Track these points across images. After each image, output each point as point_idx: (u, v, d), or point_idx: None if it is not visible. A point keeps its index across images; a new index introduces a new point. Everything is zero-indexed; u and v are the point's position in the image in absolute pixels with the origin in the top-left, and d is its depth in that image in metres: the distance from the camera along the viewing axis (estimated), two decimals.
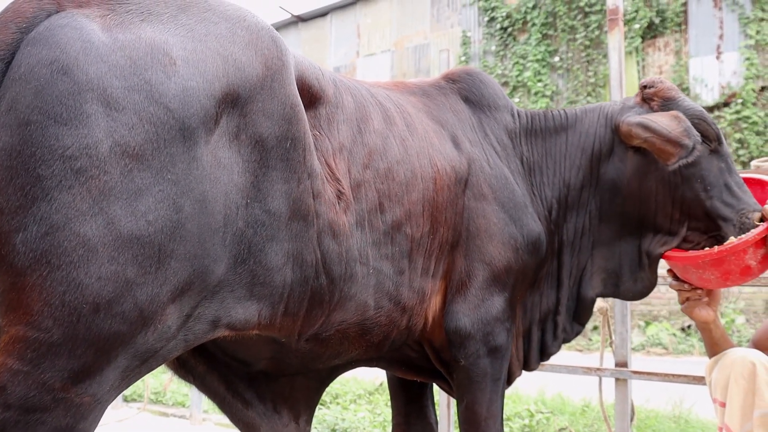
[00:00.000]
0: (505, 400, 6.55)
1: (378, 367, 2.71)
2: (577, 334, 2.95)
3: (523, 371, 2.86)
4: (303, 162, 1.89)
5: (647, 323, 12.39)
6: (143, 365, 1.64)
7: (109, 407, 6.76)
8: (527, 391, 7.14)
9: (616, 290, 2.82)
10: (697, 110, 2.67)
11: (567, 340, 2.93)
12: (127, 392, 7.19)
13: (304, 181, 1.90)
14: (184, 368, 2.28)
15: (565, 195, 2.76)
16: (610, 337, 4.11)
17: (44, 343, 1.44)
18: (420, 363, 2.66)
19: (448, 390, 2.78)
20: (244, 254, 1.78)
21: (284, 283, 1.89)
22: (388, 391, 6.96)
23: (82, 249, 1.45)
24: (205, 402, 6.53)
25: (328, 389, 6.87)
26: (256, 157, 1.78)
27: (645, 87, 2.74)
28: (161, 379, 7.34)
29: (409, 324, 2.36)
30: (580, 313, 2.86)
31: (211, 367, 2.29)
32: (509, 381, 2.80)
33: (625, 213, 2.72)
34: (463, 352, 2.45)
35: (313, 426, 5.75)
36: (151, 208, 1.53)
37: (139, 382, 7.29)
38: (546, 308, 2.81)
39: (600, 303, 4.08)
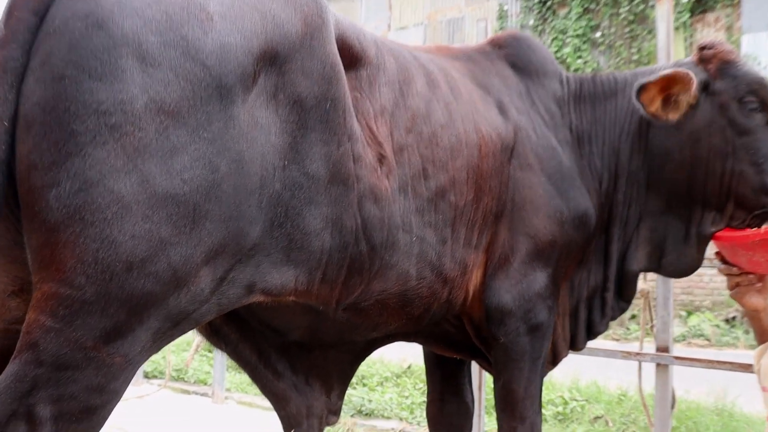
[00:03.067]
0: None
1: (415, 342, 2.71)
2: (623, 311, 2.91)
3: (570, 351, 2.83)
4: (343, 124, 1.88)
5: (689, 313, 12.27)
6: (175, 328, 1.65)
7: (130, 383, 6.86)
8: (560, 378, 7.13)
9: (658, 265, 2.78)
10: (757, 76, 2.61)
11: (613, 318, 2.89)
12: (147, 368, 7.30)
13: (344, 143, 1.89)
14: (216, 335, 2.30)
15: (615, 164, 2.71)
16: (651, 321, 4.06)
17: (77, 301, 1.46)
18: (459, 339, 2.65)
19: (488, 368, 2.77)
20: (280, 217, 1.78)
21: (322, 249, 1.89)
22: (415, 374, 7.03)
23: (116, 206, 1.47)
24: (227, 380, 6.62)
25: None
26: (294, 117, 1.78)
27: (703, 48, 2.66)
28: (183, 356, 7.44)
29: (449, 297, 2.35)
30: (624, 289, 2.81)
31: (244, 335, 2.31)
32: (555, 361, 2.78)
33: (674, 182, 2.66)
34: (502, 329, 2.44)
35: None
36: (186, 167, 1.54)
37: (160, 359, 7.40)
38: (594, 285, 2.77)
39: (641, 284, 4.04)
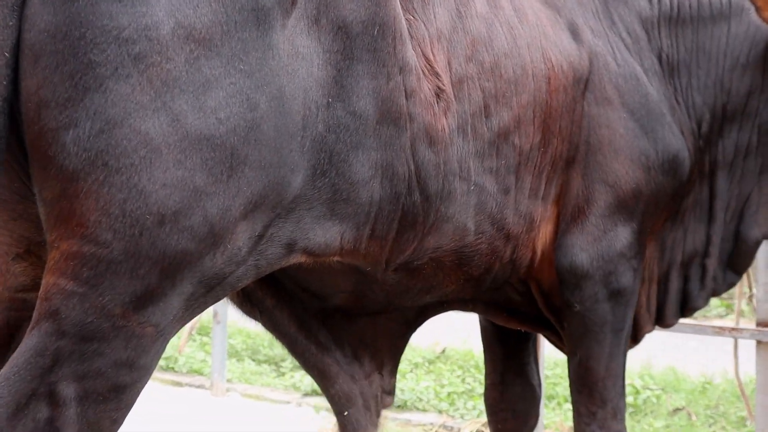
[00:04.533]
0: None
1: (473, 310, 2.79)
2: (730, 286, 2.97)
3: (656, 327, 2.89)
4: (393, 53, 1.94)
5: None
6: (209, 293, 1.73)
7: None
8: (629, 363, 7.19)
9: None
10: None
11: (717, 293, 2.94)
12: None
13: (394, 76, 1.95)
14: (249, 302, 2.40)
15: (723, 103, 2.74)
16: (750, 290, 4.10)
17: (103, 260, 1.53)
18: (524, 308, 2.74)
19: (558, 343, 2.86)
20: (324, 164, 1.85)
21: (371, 200, 1.97)
22: (451, 360, 7.11)
23: (144, 150, 1.53)
24: (228, 369, 6.73)
25: None
26: (338, 46, 1.83)
27: None
28: (173, 341, 7.53)
29: (513, 256, 2.43)
30: (738, 259, 2.86)
31: (281, 301, 2.41)
32: (636, 338, 2.86)
33: None
34: (578, 294, 2.51)
35: None
36: (222, 104, 1.60)
37: None
38: (691, 248, 2.83)
39: None
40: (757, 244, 2.86)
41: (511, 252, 2.42)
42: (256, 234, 1.75)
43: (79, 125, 1.51)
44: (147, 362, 1.65)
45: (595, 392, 2.57)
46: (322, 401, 5.78)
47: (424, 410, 5.82)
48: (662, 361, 7.16)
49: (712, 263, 2.83)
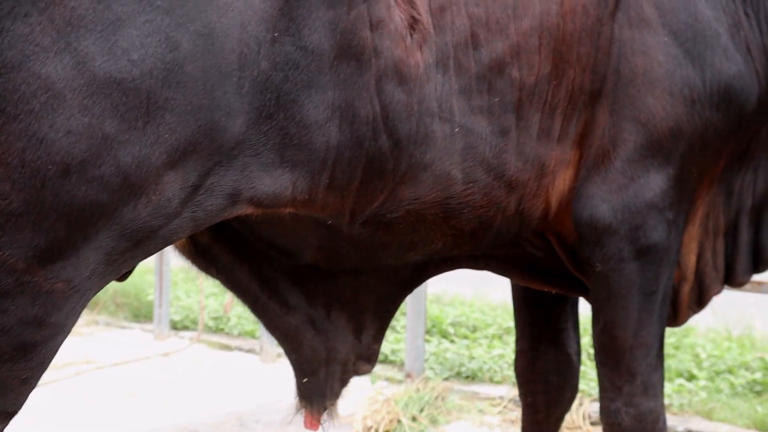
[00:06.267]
0: (731, 344, 6.52)
1: (487, 269, 2.88)
2: None
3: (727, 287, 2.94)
4: None
5: None
6: (137, 248, 1.89)
7: (153, 336, 7.28)
8: (763, 329, 7.07)
9: None
10: None
11: None
12: (175, 317, 7.71)
13: (356, 5, 2.04)
14: (203, 257, 2.55)
15: None
16: None
17: (2, 213, 1.68)
18: (549, 266, 2.81)
19: None
20: (270, 106, 1.97)
21: (327, 146, 2.08)
22: None
23: (45, 95, 1.67)
24: None
25: (452, 317, 7.08)
26: None
27: None
28: (222, 298, 7.78)
29: (520, 208, 2.50)
30: None
31: (240, 256, 2.54)
32: (701, 301, 2.91)
33: None
34: (599, 252, 2.57)
35: (429, 364, 6.04)
36: (135, 44, 1.73)
37: (193, 304, 7.80)
38: (763, 190, 2.86)
39: None
40: None
41: (517, 203, 2.49)
42: (190, 184, 1.89)
43: None
44: (60, 319, 1.80)
45: (621, 364, 2.62)
46: (377, 370, 5.96)
47: (498, 382, 5.90)
48: None
49: None
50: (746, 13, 2.70)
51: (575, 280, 2.82)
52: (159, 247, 1.98)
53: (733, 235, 2.86)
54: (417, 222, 2.38)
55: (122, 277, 2.14)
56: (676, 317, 2.91)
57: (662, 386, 2.72)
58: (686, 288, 2.84)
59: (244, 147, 1.96)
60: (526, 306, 3.19)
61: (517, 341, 3.22)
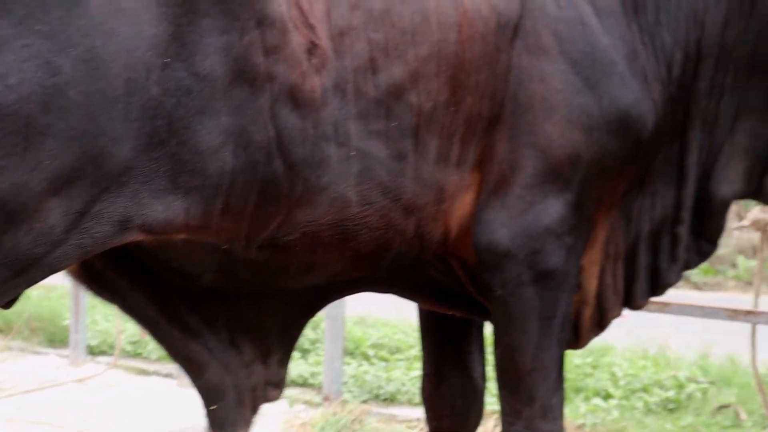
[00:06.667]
0: (647, 363, 6.63)
1: (391, 292, 2.89)
2: (705, 257, 3.00)
3: (626, 308, 2.94)
4: (248, 4, 2.04)
5: None
6: (19, 276, 1.87)
7: (68, 362, 7.17)
8: (682, 351, 7.17)
9: (759, 186, 2.85)
10: None
11: (690, 266, 2.98)
12: (93, 341, 7.62)
13: (250, 31, 2.05)
14: (97, 282, 2.51)
15: (697, 37, 2.75)
16: None
17: None
18: (452, 289, 2.81)
19: None
20: (162, 132, 1.97)
21: (222, 171, 2.08)
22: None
23: None
24: None
25: (374, 338, 7.07)
26: None
27: None
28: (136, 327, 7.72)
29: (418, 231, 2.52)
30: (707, 223, 2.90)
31: (136, 281, 2.52)
32: (602, 324, 2.93)
33: None
34: (498, 277, 2.59)
35: (347, 386, 6.02)
36: (12, 69, 1.72)
37: (110, 328, 7.71)
38: (660, 216, 2.87)
39: (757, 214, 4.10)
40: (727, 204, 2.89)
41: (416, 226, 2.50)
42: (74, 211, 1.88)
43: None
44: None
45: (520, 388, 2.64)
46: (296, 393, 5.94)
47: (415, 404, 5.90)
48: (721, 349, 7.14)
49: (684, 231, 2.87)
50: (643, 42, 2.73)
51: (479, 304, 2.82)
52: (44, 275, 1.95)
53: (632, 260, 2.88)
54: (314, 244, 2.39)
55: (7, 305, 2.10)
56: (577, 340, 2.93)
57: (562, 409, 2.73)
58: (588, 312, 2.86)
59: (134, 173, 1.96)
60: (431, 329, 3.19)
61: (424, 365, 3.22)
